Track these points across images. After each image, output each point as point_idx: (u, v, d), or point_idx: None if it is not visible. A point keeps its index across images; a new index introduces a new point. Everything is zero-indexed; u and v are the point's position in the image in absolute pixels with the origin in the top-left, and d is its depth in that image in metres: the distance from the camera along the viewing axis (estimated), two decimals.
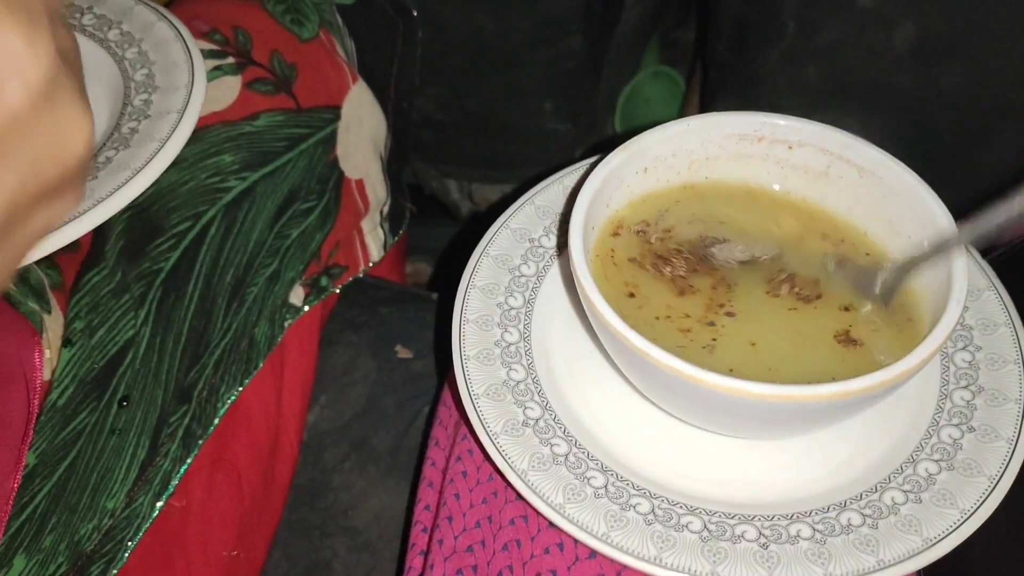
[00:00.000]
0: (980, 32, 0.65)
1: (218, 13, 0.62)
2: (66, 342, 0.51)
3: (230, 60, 0.61)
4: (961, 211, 0.47)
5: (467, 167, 0.98)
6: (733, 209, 0.51)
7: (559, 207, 0.55)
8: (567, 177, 0.57)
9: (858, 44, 0.70)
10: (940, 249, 0.44)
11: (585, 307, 0.44)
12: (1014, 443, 0.44)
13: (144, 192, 0.51)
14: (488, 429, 0.46)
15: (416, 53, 0.76)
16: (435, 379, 0.66)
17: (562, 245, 0.53)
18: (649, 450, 0.47)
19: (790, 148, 0.51)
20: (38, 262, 0.51)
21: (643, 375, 0.43)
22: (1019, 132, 0.67)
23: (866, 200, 0.49)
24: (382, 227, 0.72)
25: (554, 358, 0.50)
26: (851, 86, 0.72)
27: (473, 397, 0.47)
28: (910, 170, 0.48)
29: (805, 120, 0.50)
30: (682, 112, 1.05)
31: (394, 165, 0.75)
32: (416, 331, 0.69)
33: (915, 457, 0.45)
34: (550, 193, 0.56)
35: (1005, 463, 0.44)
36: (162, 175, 0.55)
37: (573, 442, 0.46)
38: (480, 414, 0.46)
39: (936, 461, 0.45)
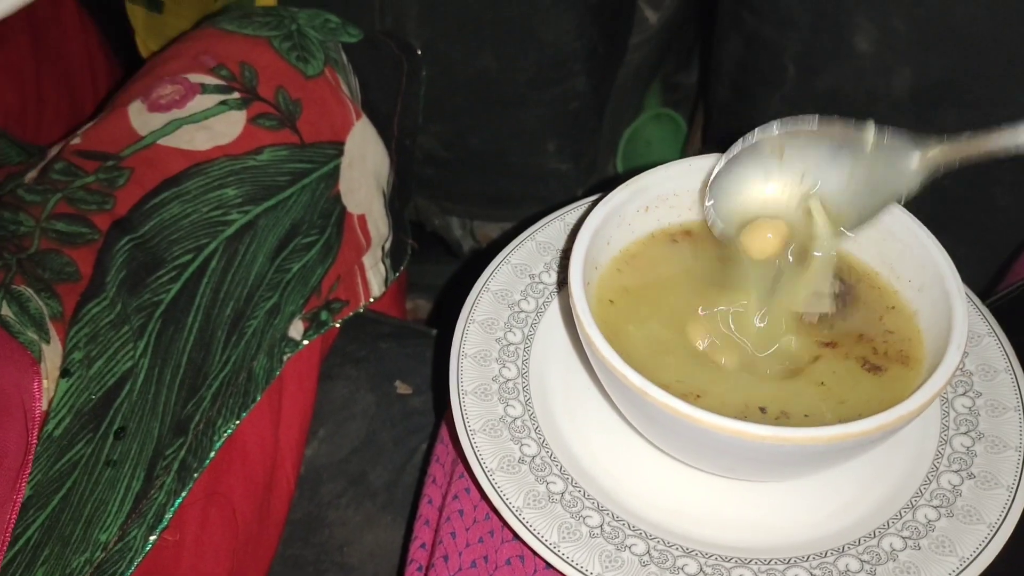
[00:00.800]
0: (977, 78, 0.65)
1: (226, 49, 0.63)
2: (64, 372, 0.51)
3: (235, 95, 0.61)
4: (960, 255, 0.47)
5: (469, 205, 0.98)
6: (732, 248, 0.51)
7: (560, 243, 0.55)
8: (569, 214, 0.57)
9: (858, 89, 0.71)
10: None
11: (584, 344, 0.44)
12: (1014, 491, 0.44)
13: None
14: (484, 465, 0.45)
15: (420, 91, 0.77)
16: (433, 415, 0.66)
17: (562, 282, 0.54)
18: (646, 490, 0.47)
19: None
20: (38, 291, 0.51)
21: (641, 414, 0.43)
22: (1016, 177, 0.67)
23: (865, 242, 0.50)
24: (384, 263, 0.72)
25: (552, 395, 0.50)
26: None
27: (470, 433, 0.47)
28: (908, 212, 0.48)
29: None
30: (683, 154, 1.06)
31: (396, 201, 0.75)
32: (415, 367, 0.69)
33: (914, 503, 0.45)
34: (551, 230, 0.56)
35: (1005, 511, 0.43)
36: (165, 208, 0.56)
37: (569, 480, 0.46)
38: (476, 450, 0.46)
39: (935, 507, 0.44)
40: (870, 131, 0.46)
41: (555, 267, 0.54)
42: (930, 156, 0.44)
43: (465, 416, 0.47)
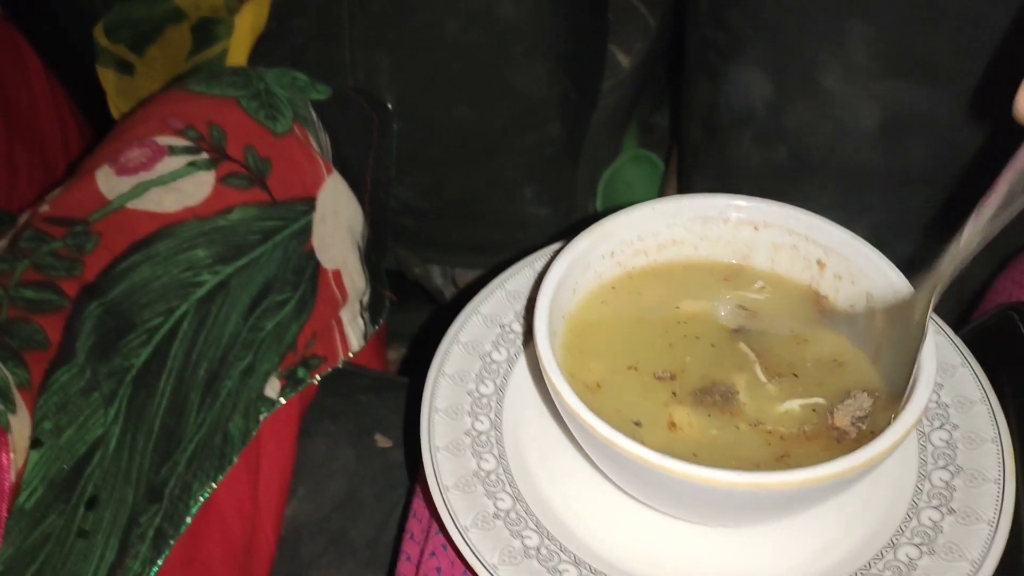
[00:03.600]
0: (943, 109, 0.66)
1: (194, 110, 0.64)
2: (35, 443, 0.50)
3: (204, 155, 0.61)
4: None
5: (449, 253, 0.98)
6: (701, 289, 0.51)
7: (529, 291, 0.55)
8: (537, 261, 0.57)
9: (826, 124, 0.71)
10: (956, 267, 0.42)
11: (553, 396, 0.43)
12: (995, 526, 0.43)
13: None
14: (458, 522, 0.45)
15: (392, 145, 0.77)
16: (409, 468, 0.65)
17: (529, 332, 0.53)
18: (623, 540, 0.46)
19: (756, 229, 0.51)
20: (4, 360, 0.51)
21: (612, 464, 0.43)
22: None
23: (831, 281, 0.49)
24: (362, 317, 0.72)
25: (526, 445, 0.50)
26: (822, 165, 0.73)
27: (443, 489, 0.46)
28: (875, 249, 0.48)
29: (769, 201, 0.51)
30: (662, 194, 1.06)
31: (373, 255, 0.75)
32: (395, 419, 0.68)
33: (896, 541, 0.44)
34: (521, 278, 0.56)
35: (987, 547, 0.43)
36: (135, 271, 0.56)
37: (545, 534, 0.45)
38: (450, 507, 0.45)
39: (917, 545, 0.44)
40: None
41: (525, 316, 0.54)
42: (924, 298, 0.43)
43: (438, 473, 0.46)
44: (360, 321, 0.71)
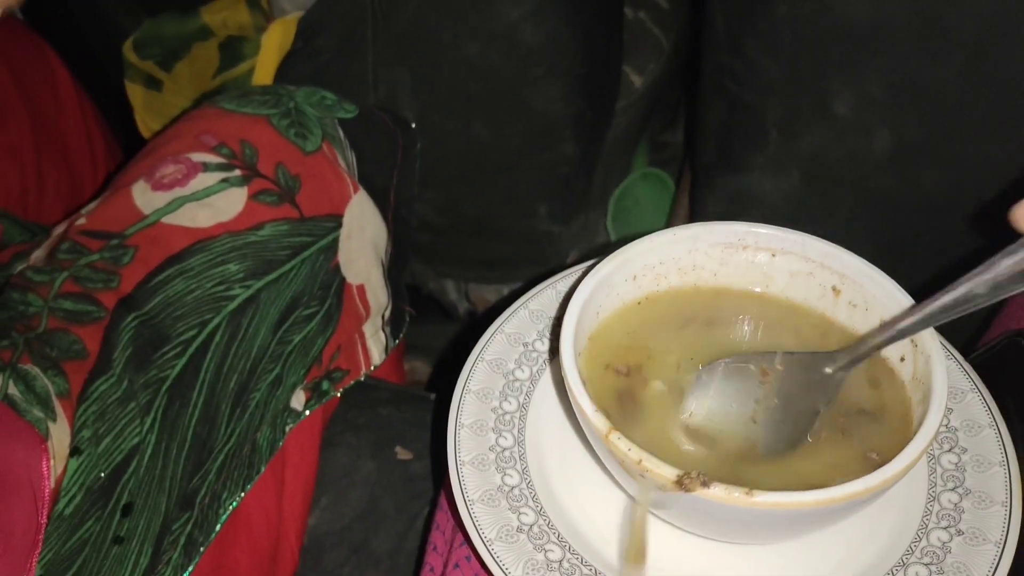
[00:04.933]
0: (953, 137, 0.67)
1: (226, 128, 0.65)
2: (74, 451, 0.52)
3: (237, 172, 0.63)
4: None
5: (464, 268, 1.00)
6: (718, 314, 0.53)
7: (552, 311, 0.57)
8: (560, 282, 0.59)
9: (839, 150, 0.73)
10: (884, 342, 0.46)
11: (577, 415, 0.45)
12: (1001, 547, 0.45)
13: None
14: (483, 535, 0.46)
15: (415, 163, 0.79)
16: (433, 480, 0.66)
17: (554, 351, 0.55)
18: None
19: (773, 256, 0.53)
20: (44, 370, 0.53)
21: (635, 484, 0.44)
22: (996, 232, 0.69)
23: (845, 309, 0.51)
24: (384, 331, 0.74)
25: (548, 462, 0.51)
26: (834, 189, 0.75)
27: (468, 503, 0.48)
28: (888, 276, 0.50)
29: (787, 230, 0.52)
30: (672, 212, 1.08)
31: (394, 270, 0.77)
32: (415, 432, 0.70)
33: (905, 561, 0.46)
34: (543, 298, 0.58)
35: (994, 567, 0.44)
36: (169, 285, 0.58)
37: (567, 547, 0.46)
38: (475, 520, 0.47)
39: (926, 565, 0.45)
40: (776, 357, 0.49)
41: (548, 335, 0.56)
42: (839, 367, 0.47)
43: (463, 486, 0.48)
44: (382, 335, 0.73)
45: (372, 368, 0.71)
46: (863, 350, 0.47)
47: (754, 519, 0.41)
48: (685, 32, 1.07)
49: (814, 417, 0.47)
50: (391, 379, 0.78)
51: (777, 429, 0.47)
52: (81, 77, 0.88)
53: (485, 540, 0.46)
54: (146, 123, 0.86)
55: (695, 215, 0.95)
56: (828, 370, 0.47)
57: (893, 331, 0.45)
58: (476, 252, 0.98)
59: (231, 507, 0.57)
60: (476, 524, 0.47)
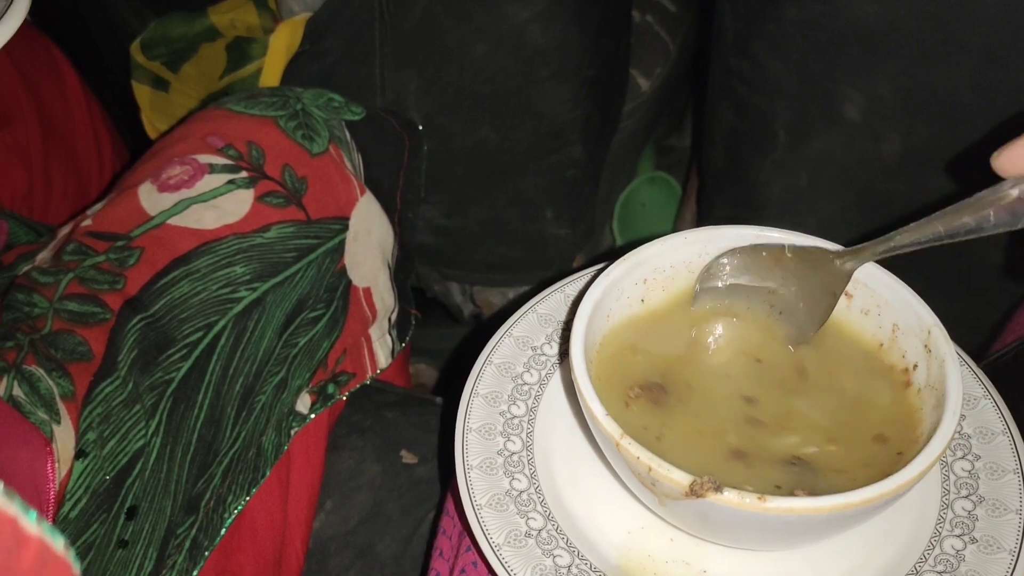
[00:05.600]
0: (964, 144, 0.67)
1: (233, 130, 0.65)
2: (79, 453, 0.51)
3: (243, 174, 0.63)
4: (952, 315, 0.48)
5: (469, 271, 0.99)
6: (726, 318, 0.52)
7: (560, 315, 0.57)
8: (569, 286, 0.58)
9: (848, 155, 0.72)
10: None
11: (587, 417, 0.45)
12: (1016, 555, 0.44)
13: None
14: (491, 540, 0.46)
15: (422, 166, 0.79)
16: (439, 485, 0.66)
17: (564, 354, 0.55)
18: (652, 562, 0.47)
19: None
20: (49, 371, 0.52)
21: (647, 489, 0.44)
22: (1005, 237, 0.68)
23: (858, 315, 0.51)
24: (390, 334, 0.73)
25: (556, 466, 0.51)
26: (842, 194, 0.74)
27: (476, 507, 0.47)
28: (899, 280, 0.49)
29: (797, 234, 0.52)
30: (679, 216, 1.08)
31: (400, 273, 0.76)
32: (421, 435, 0.69)
33: (918, 569, 0.45)
34: (552, 302, 0.57)
35: (1008, 575, 0.44)
36: (175, 287, 0.57)
37: (576, 553, 0.46)
38: (483, 525, 0.46)
39: (940, 573, 0.45)
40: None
41: (556, 339, 0.55)
42: (848, 264, 0.48)
43: (471, 491, 0.48)
44: (388, 339, 0.72)
45: (378, 371, 0.71)
46: (867, 249, 0.48)
47: (767, 524, 0.41)
48: (692, 35, 1.07)
49: (833, 301, 0.49)
50: (397, 382, 0.78)
51: (798, 315, 0.50)
52: (88, 78, 0.88)
53: (493, 545, 0.46)
54: (153, 124, 0.86)
55: (702, 218, 0.95)
56: (836, 262, 0.48)
57: (893, 239, 0.47)
58: (482, 255, 0.97)
59: (236, 511, 0.57)
60: (484, 529, 0.46)
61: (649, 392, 0.48)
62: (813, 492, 0.43)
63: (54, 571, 0.31)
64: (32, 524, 0.30)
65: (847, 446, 0.46)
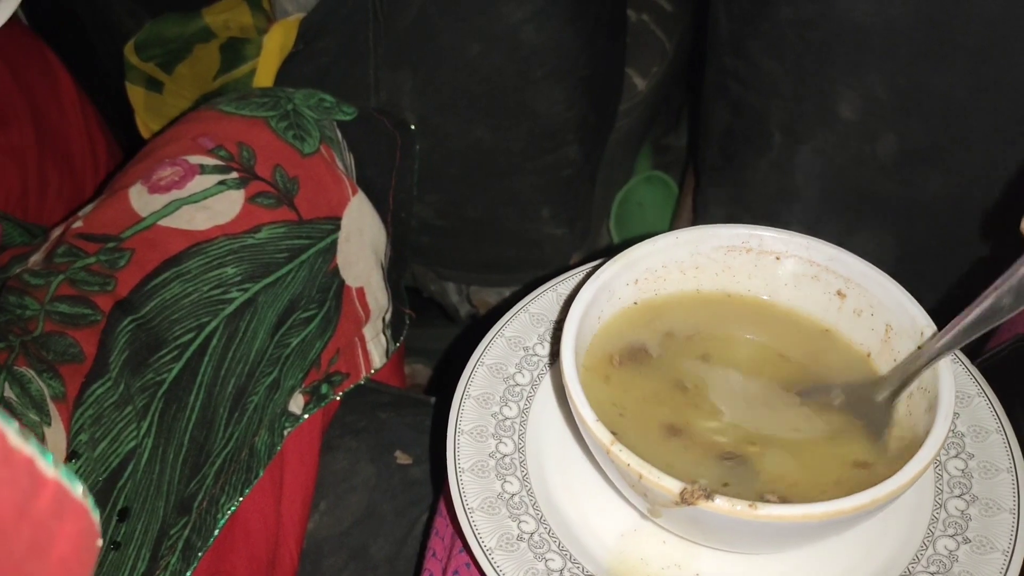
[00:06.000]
0: (959, 143, 0.67)
1: (224, 130, 0.65)
2: (72, 455, 0.51)
3: (234, 175, 0.63)
4: (944, 318, 0.48)
5: (465, 271, 0.99)
6: (719, 319, 0.52)
7: (553, 315, 0.56)
8: (560, 285, 0.58)
9: (844, 154, 0.72)
10: (923, 365, 0.45)
11: (578, 423, 0.44)
12: (1009, 554, 0.44)
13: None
14: (482, 543, 0.46)
15: (414, 165, 0.79)
16: (433, 486, 0.66)
17: (555, 355, 0.54)
18: (644, 565, 0.47)
19: (777, 259, 0.52)
20: (39, 372, 0.52)
21: (636, 493, 0.44)
22: (1002, 239, 0.68)
23: (849, 317, 0.51)
24: (385, 334, 0.73)
25: (548, 469, 0.51)
26: (838, 193, 0.74)
27: (467, 510, 0.47)
28: (894, 281, 0.49)
29: (791, 233, 0.52)
30: (675, 215, 1.07)
31: (394, 273, 0.76)
32: (415, 436, 0.69)
33: (911, 570, 0.45)
34: (544, 301, 0.57)
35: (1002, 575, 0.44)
36: (166, 288, 0.57)
37: (568, 556, 0.46)
38: (474, 527, 0.46)
39: (933, 574, 0.45)
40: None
41: (548, 339, 0.55)
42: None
43: (463, 494, 0.47)
44: (382, 338, 0.72)
45: (373, 371, 0.70)
46: (904, 375, 0.46)
47: (759, 531, 0.40)
48: (688, 35, 1.06)
49: None
50: (392, 383, 0.78)
51: None
52: (83, 79, 0.87)
53: (485, 549, 0.46)
54: (147, 125, 0.86)
55: (698, 218, 0.94)
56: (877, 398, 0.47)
57: (931, 352, 0.44)
58: (478, 255, 0.97)
59: (229, 512, 0.57)
60: (476, 532, 0.46)
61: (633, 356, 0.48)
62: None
63: (72, 516, 0.31)
64: (49, 466, 0.30)
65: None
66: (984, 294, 0.42)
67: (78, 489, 0.34)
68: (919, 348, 0.47)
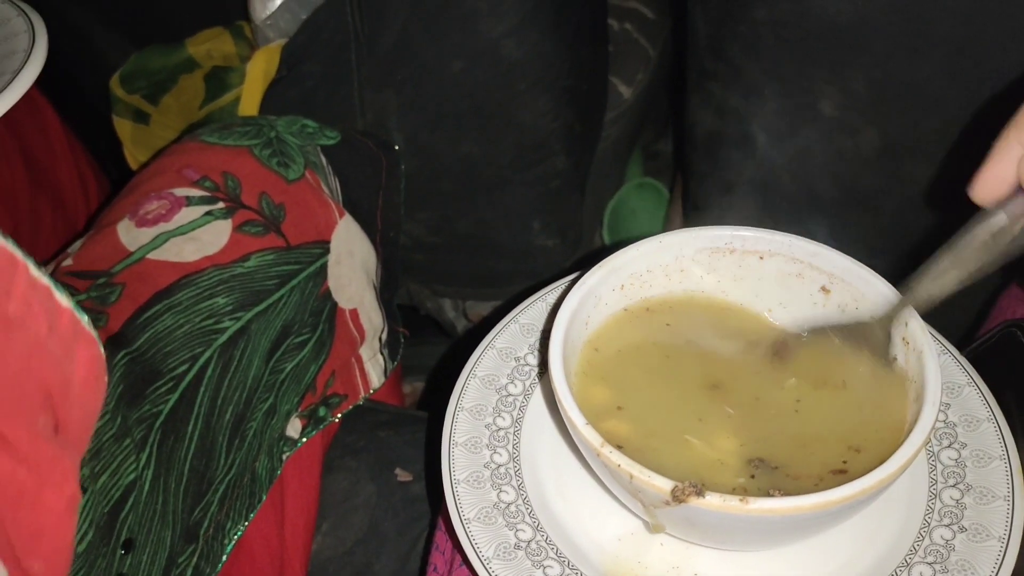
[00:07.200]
0: (940, 135, 0.67)
1: (208, 161, 0.65)
2: (81, 489, 0.51)
3: (220, 205, 0.63)
4: (930, 312, 0.48)
5: (460, 286, 1.00)
6: (707, 320, 0.52)
7: (542, 324, 0.57)
8: (550, 294, 0.58)
9: (827, 150, 0.72)
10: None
11: (568, 427, 0.45)
12: (1006, 542, 0.44)
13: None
14: (480, 554, 0.46)
15: (400, 185, 0.79)
16: (432, 501, 0.66)
17: (544, 365, 0.55)
18: (642, 568, 0.47)
19: (761, 259, 0.53)
20: None
21: (627, 493, 0.44)
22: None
23: (834, 307, 0.51)
24: (382, 353, 0.73)
25: (544, 477, 0.51)
26: (824, 190, 0.74)
27: (464, 521, 0.47)
28: (877, 275, 0.49)
29: (773, 232, 0.52)
30: (667, 220, 1.08)
31: (386, 292, 0.77)
32: (415, 453, 0.70)
33: (909, 561, 0.45)
34: (534, 311, 0.57)
35: (998, 563, 0.44)
36: (158, 320, 0.57)
37: (566, 563, 0.46)
38: (472, 539, 0.46)
39: (930, 564, 0.45)
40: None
41: (539, 348, 0.55)
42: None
43: (459, 505, 0.48)
44: (380, 358, 0.72)
45: (371, 392, 0.71)
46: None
47: (753, 525, 0.40)
48: (671, 41, 1.07)
49: None
50: (390, 401, 0.78)
51: None
52: (69, 114, 0.88)
53: (482, 559, 0.46)
54: (135, 157, 0.87)
55: (688, 222, 0.95)
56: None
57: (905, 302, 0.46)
58: (472, 269, 0.98)
59: (235, 537, 0.57)
60: (473, 543, 0.46)
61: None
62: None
63: (85, 342, 0.32)
64: (63, 296, 0.31)
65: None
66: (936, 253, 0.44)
67: (85, 320, 0.35)
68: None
